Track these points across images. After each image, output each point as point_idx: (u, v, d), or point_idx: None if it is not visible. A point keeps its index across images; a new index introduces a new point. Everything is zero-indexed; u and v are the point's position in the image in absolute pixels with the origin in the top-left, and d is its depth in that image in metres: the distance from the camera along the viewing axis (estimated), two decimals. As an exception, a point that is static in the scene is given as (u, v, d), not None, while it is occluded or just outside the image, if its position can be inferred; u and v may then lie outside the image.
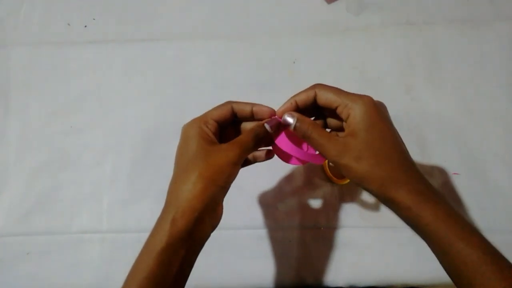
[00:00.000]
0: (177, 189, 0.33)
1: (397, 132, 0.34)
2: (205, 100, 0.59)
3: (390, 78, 0.59)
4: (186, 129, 0.35)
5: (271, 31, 0.62)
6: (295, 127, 0.35)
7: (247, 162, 0.41)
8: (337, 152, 0.33)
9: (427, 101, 0.58)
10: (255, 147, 0.36)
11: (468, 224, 0.31)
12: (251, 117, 0.37)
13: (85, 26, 0.64)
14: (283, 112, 0.36)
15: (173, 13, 0.64)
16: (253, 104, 0.37)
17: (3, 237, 0.54)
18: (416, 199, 0.31)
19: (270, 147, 0.39)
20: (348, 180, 0.54)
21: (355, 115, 0.33)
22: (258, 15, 0.63)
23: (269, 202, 0.54)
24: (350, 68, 0.60)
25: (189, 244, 0.32)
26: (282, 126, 0.36)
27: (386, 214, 0.53)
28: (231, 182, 0.34)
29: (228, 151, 0.33)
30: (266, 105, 0.37)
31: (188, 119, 0.51)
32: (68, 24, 0.64)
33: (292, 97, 0.36)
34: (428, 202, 0.31)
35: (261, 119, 0.37)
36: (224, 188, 0.34)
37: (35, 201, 0.55)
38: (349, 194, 0.54)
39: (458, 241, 0.30)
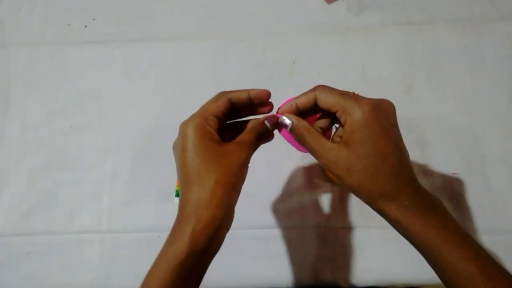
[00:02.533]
0: (194, 198, 0.31)
1: (398, 139, 0.33)
2: (205, 100, 0.59)
3: (390, 78, 0.59)
4: (187, 128, 0.33)
5: (271, 31, 0.62)
6: (290, 129, 0.35)
7: None
8: (329, 162, 0.33)
9: (427, 101, 0.58)
10: (258, 145, 0.36)
11: (464, 236, 0.31)
12: (249, 104, 0.37)
13: (85, 26, 0.64)
14: (282, 114, 0.36)
15: (173, 13, 0.64)
16: (249, 90, 0.36)
17: (3, 237, 0.54)
18: (405, 214, 0.31)
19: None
20: (348, 180, 0.54)
21: (351, 123, 0.32)
22: (258, 15, 0.63)
23: (269, 202, 0.54)
24: (350, 68, 0.60)
25: (207, 255, 0.31)
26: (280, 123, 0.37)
27: (386, 214, 0.53)
28: (243, 183, 0.34)
29: (238, 153, 0.33)
30: (261, 88, 0.37)
31: (187, 119, 0.50)
32: (68, 24, 0.64)
33: (293, 100, 0.36)
34: (417, 217, 0.31)
35: (259, 103, 0.37)
36: (239, 191, 0.33)
37: (35, 201, 0.55)
38: (349, 194, 0.54)
39: (451, 255, 0.30)
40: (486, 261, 0.30)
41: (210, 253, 0.32)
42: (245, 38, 0.62)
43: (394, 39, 0.61)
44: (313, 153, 0.34)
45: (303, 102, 0.35)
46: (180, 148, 0.34)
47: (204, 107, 0.35)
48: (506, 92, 0.58)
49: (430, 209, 0.32)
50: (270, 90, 0.37)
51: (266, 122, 0.36)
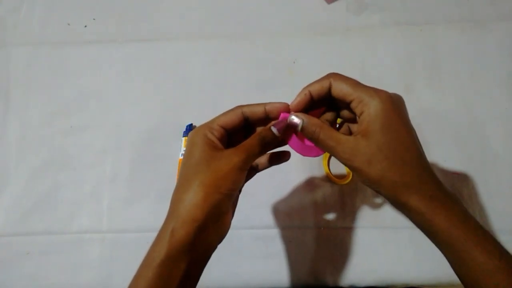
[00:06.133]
0: (178, 198, 0.31)
1: (413, 130, 0.33)
2: (205, 100, 0.60)
3: (390, 78, 0.59)
4: (192, 136, 0.34)
5: (271, 31, 0.62)
6: (302, 128, 0.34)
7: (253, 171, 0.39)
8: (348, 155, 0.31)
9: (427, 101, 0.58)
10: (262, 152, 0.34)
11: (483, 230, 0.30)
12: (265, 118, 0.35)
13: (85, 26, 0.64)
14: (297, 105, 0.34)
15: (173, 13, 0.64)
16: (265, 104, 0.35)
17: (3, 237, 0.54)
18: (429, 205, 0.30)
19: (284, 148, 0.38)
20: (348, 180, 0.54)
21: (369, 112, 0.31)
22: (258, 15, 0.63)
23: (269, 202, 0.54)
24: (350, 68, 0.60)
25: (191, 256, 0.30)
26: (290, 127, 0.35)
27: (386, 214, 0.53)
28: (237, 188, 0.32)
29: (232, 156, 0.32)
30: (279, 101, 0.35)
31: (188, 119, 0.51)
32: (68, 24, 0.64)
33: (305, 87, 0.34)
34: (442, 208, 0.30)
35: (276, 118, 0.35)
36: (229, 196, 0.32)
37: (35, 201, 0.55)
38: (349, 194, 0.54)
39: (473, 248, 0.29)
40: (507, 255, 0.30)
41: (194, 255, 0.31)
42: (245, 38, 0.62)
43: (394, 39, 0.61)
44: (329, 149, 0.33)
45: (317, 89, 0.33)
46: (184, 155, 0.34)
47: (214, 118, 0.35)
48: (506, 92, 0.58)
49: (452, 200, 0.31)
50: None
51: (272, 128, 0.34)
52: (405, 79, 0.59)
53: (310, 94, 0.34)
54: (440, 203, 0.30)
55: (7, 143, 0.58)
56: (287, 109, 0.35)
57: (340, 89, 0.32)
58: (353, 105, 0.32)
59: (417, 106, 0.57)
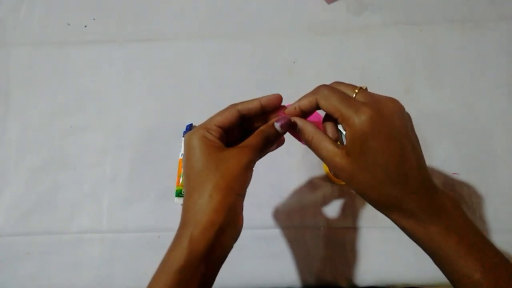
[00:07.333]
0: (194, 203, 0.31)
1: (404, 143, 0.31)
2: (205, 100, 0.60)
3: (390, 78, 0.59)
4: (189, 138, 0.33)
5: (271, 31, 0.62)
6: (298, 131, 0.35)
7: None
8: (334, 167, 0.33)
9: (427, 101, 0.58)
10: (266, 149, 0.35)
11: (470, 241, 0.31)
12: (261, 113, 0.36)
13: (85, 26, 0.64)
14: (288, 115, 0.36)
15: (173, 13, 0.64)
16: (259, 99, 0.35)
17: (3, 237, 0.54)
18: (408, 222, 0.32)
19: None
20: (348, 180, 0.54)
21: (350, 133, 0.31)
22: (258, 15, 0.63)
23: (269, 202, 0.54)
24: (350, 68, 0.60)
25: (209, 260, 0.31)
26: (292, 124, 0.35)
27: (386, 214, 0.53)
28: (247, 187, 0.33)
29: (240, 156, 0.32)
30: (272, 94, 0.36)
31: (188, 119, 0.51)
32: (68, 24, 0.64)
33: (296, 101, 0.35)
34: (420, 225, 0.31)
35: (272, 111, 0.36)
36: (241, 195, 0.32)
37: (35, 201, 0.55)
38: (349, 194, 0.54)
39: (456, 262, 0.30)
40: (493, 267, 0.30)
41: (212, 258, 0.31)
42: (245, 38, 0.62)
43: (394, 39, 0.61)
44: (320, 158, 0.34)
45: (305, 105, 0.34)
46: (184, 158, 0.34)
47: (209, 119, 0.35)
48: (506, 92, 0.58)
49: (435, 216, 0.31)
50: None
51: (276, 124, 0.34)
52: (405, 79, 0.59)
53: (300, 108, 0.35)
54: (418, 220, 0.31)
55: (7, 143, 0.58)
56: (280, 100, 0.36)
57: (325, 106, 0.33)
58: (339, 121, 0.33)
59: (417, 106, 0.57)
